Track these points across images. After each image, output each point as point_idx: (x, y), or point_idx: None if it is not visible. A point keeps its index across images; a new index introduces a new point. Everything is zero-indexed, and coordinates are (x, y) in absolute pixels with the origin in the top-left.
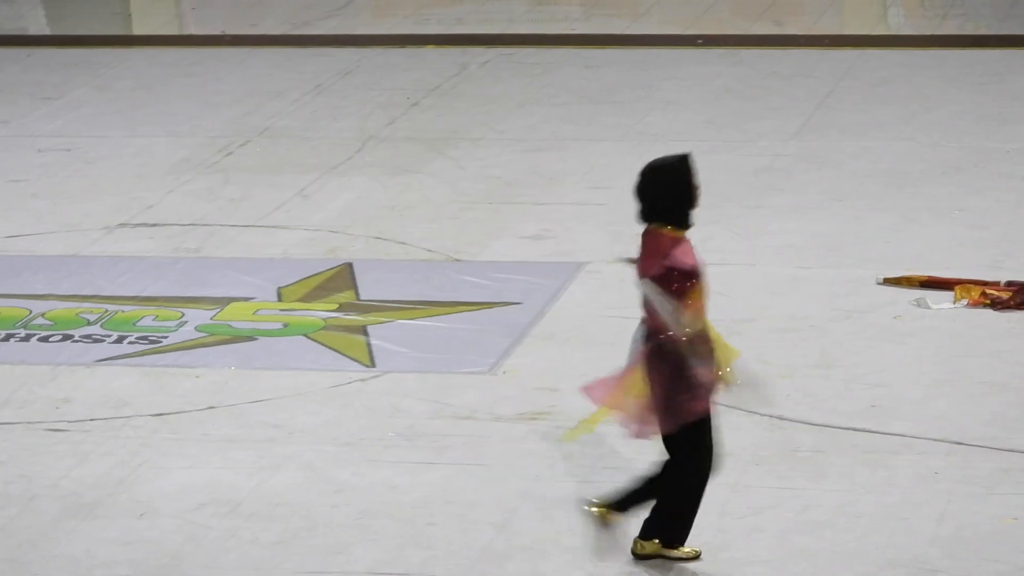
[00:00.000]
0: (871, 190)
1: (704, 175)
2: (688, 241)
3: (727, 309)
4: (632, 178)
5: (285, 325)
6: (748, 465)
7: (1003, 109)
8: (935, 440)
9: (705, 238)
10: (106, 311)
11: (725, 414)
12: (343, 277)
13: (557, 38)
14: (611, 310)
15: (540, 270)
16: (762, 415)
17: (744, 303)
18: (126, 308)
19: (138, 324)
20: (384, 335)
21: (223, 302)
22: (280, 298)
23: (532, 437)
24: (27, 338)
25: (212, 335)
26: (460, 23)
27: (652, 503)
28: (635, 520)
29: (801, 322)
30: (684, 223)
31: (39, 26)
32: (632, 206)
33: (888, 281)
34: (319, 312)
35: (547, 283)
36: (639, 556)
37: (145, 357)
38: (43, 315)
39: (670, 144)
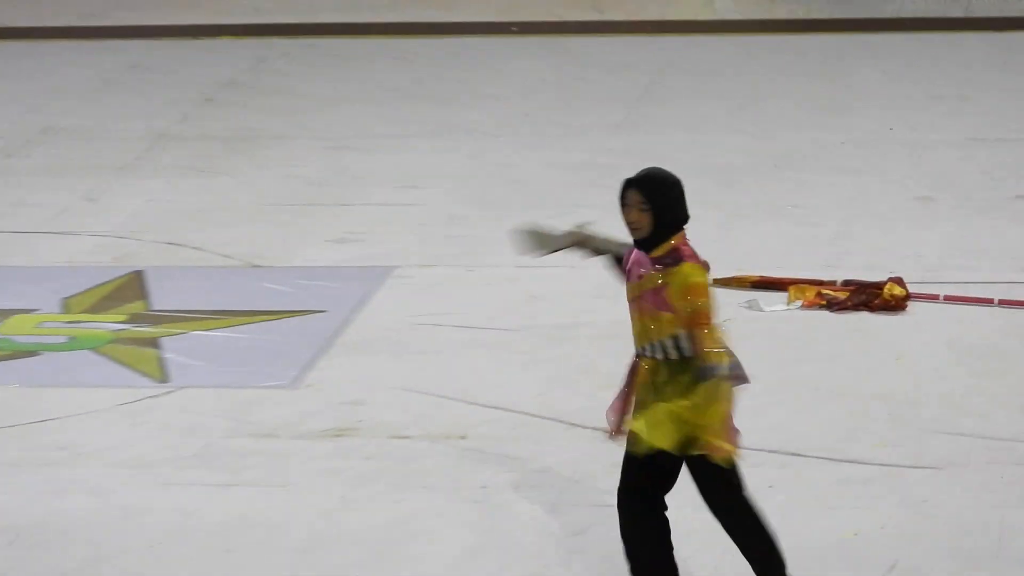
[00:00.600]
0: (699, 186)
1: (521, 173)
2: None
3: (548, 314)
4: (447, 176)
5: (71, 339)
6: (569, 482)
7: (837, 98)
8: (769, 452)
9: None
10: None
11: (545, 428)
12: (133, 286)
13: (364, 27)
14: (422, 317)
15: (346, 275)
16: (583, 428)
17: (566, 308)
18: None
19: None
20: (178, 348)
21: (3, 315)
22: (65, 309)
23: (338, 455)
24: None
25: None
26: (258, 12)
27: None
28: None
29: (627, 328)
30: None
31: None
32: (443, 207)
33: (718, 282)
34: (107, 324)
35: (353, 289)
36: None
37: None
38: None
39: (485, 140)
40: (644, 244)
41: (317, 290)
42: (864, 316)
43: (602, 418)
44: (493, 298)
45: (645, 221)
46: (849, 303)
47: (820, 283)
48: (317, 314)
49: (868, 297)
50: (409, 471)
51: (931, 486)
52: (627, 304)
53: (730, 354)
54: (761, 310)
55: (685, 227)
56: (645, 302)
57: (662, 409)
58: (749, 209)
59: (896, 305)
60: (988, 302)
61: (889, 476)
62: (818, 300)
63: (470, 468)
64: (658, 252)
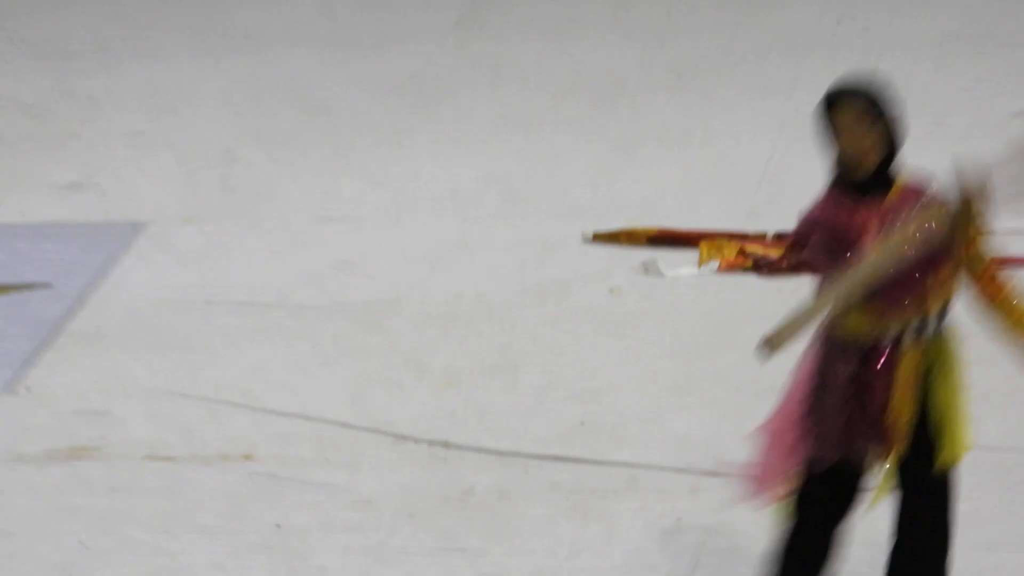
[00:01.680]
0: (569, 110)
1: (323, 94)
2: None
3: (362, 288)
4: (217, 98)
5: None
6: (398, 517)
7: None
8: (675, 471)
9: (327, 185)
10: None
11: (362, 444)
12: None
13: None
14: (185, 292)
15: (78, 236)
16: (416, 441)
17: (387, 280)
18: None
19: None
20: None
21: None
22: None
23: (73, 486)
24: None
25: None
26: None
27: None
28: None
29: (471, 305)
30: None
31: None
32: (213, 141)
33: (600, 238)
34: None
35: (88, 255)
36: None
37: None
38: None
39: (272, 49)
40: (869, 182)
41: (38, 256)
42: (805, 281)
43: (440, 426)
44: (285, 266)
45: (876, 144)
46: (784, 264)
47: (743, 237)
48: (38, 290)
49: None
50: (175, 507)
51: None
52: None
53: None
54: (662, 275)
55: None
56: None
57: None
58: (642, 139)
59: None
60: None
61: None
62: (741, 260)
63: (259, 501)
64: (896, 192)
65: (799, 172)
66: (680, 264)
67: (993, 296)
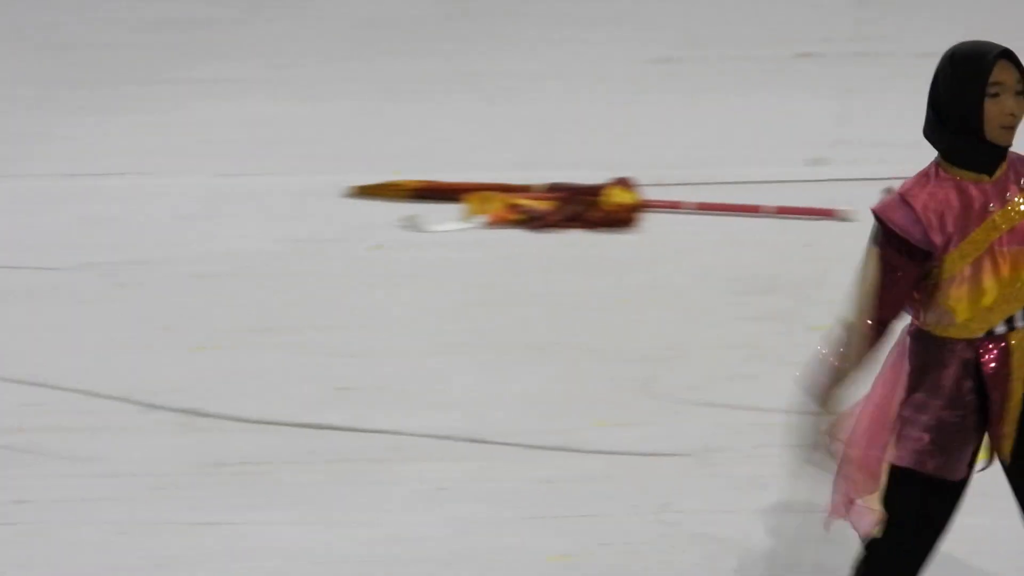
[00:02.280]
0: (334, 47)
1: (68, 34)
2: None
3: (108, 247)
4: None
5: None
6: (147, 490)
7: None
8: (439, 438)
9: (75, 134)
10: None
11: (110, 412)
12: None
13: None
14: None
15: None
16: (166, 409)
17: (133, 237)
18: None
19: None
20: None
21: None
22: None
23: None
24: None
25: None
26: None
27: None
28: None
29: (223, 263)
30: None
31: None
32: None
33: (361, 191)
34: None
35: None
36: None
37: None
38: None
39: None
40: (987, 155)
41: None
42: (578, 236)
43: (191, 393)
44: (27, 223)
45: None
46: (558, 218)
47: (514, 189)
48: None
49: (583, 208)
50: None
51: (678, 479)
52: (954, 276)
53: None
54: (424, 231)
55: None
56: (1010, 245)
57: None
58: (405, 81)
59: (622, 218)
60: (753, 210)
61: (617, 468)
62: (511, 214)
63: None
64: (1000, 170)
65: (573, 118)
66: (445, 220)
67: None
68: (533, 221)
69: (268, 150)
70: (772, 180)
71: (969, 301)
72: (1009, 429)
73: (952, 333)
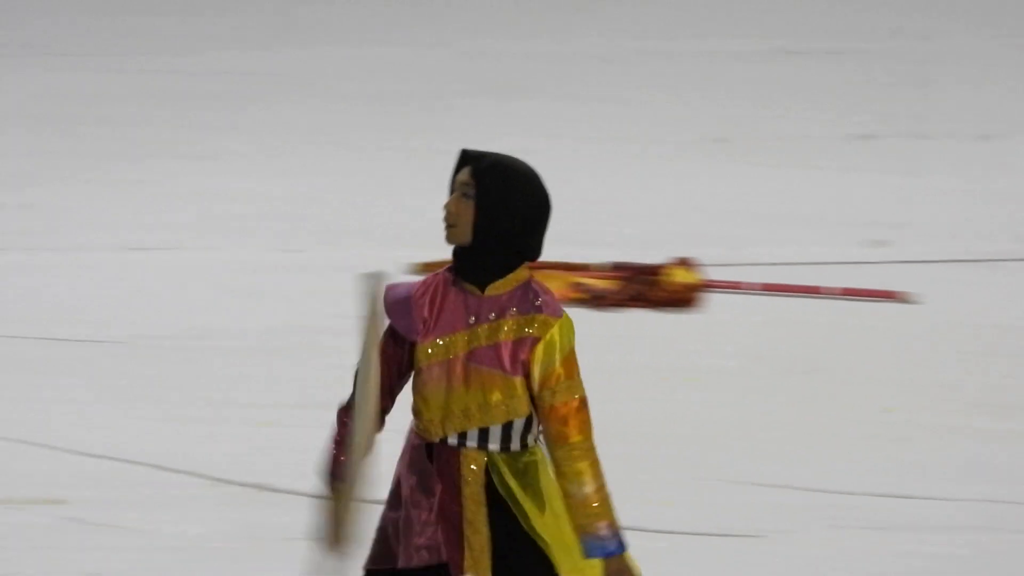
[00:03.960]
0: (375, 121)
1: (122, 106)
2: None
3: (170, 320)
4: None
5: None
6: (217, 561)
7: None
8: None
9: (130, 213)
10: None
11: (174, 486)
12: None
13: None
14: None
15: None
16: (233, 483)
17: (194, 309)
18: None
19: None
20: None
21: None
22: None
23: None
24: None
25: None
26: None
27: None
28: None
29: (287, 337)
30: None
31: None
32: None
33: (424, 268)
34: None
35: None
36: None
37: None
38: None
39: (71, 57)
40: (468, 263)
41: None
42: (642, 316)
43: (257, 467)
44: (88, 296)
45: (467, 216)
46: (623, 296)
47: (578, 268)
48: None
49: (646, 287)
50: None
51: (737, 560)
52: (421, 370)
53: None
54: None
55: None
56: (484, 363)
57: (551, 525)
58: (448, 157)
59: (686, 298)
60: (815, 291)
61: (673, 548)
62: (574, 292)
63: (70, 548)
64: (501, 287)
65: (634, 194)
66: None
67: (556, 441)
68: (595, 300)
69: (329, 223)
70: (833, 261)
71: (425, 401)
72: (472, 552)
73: (419, 429)
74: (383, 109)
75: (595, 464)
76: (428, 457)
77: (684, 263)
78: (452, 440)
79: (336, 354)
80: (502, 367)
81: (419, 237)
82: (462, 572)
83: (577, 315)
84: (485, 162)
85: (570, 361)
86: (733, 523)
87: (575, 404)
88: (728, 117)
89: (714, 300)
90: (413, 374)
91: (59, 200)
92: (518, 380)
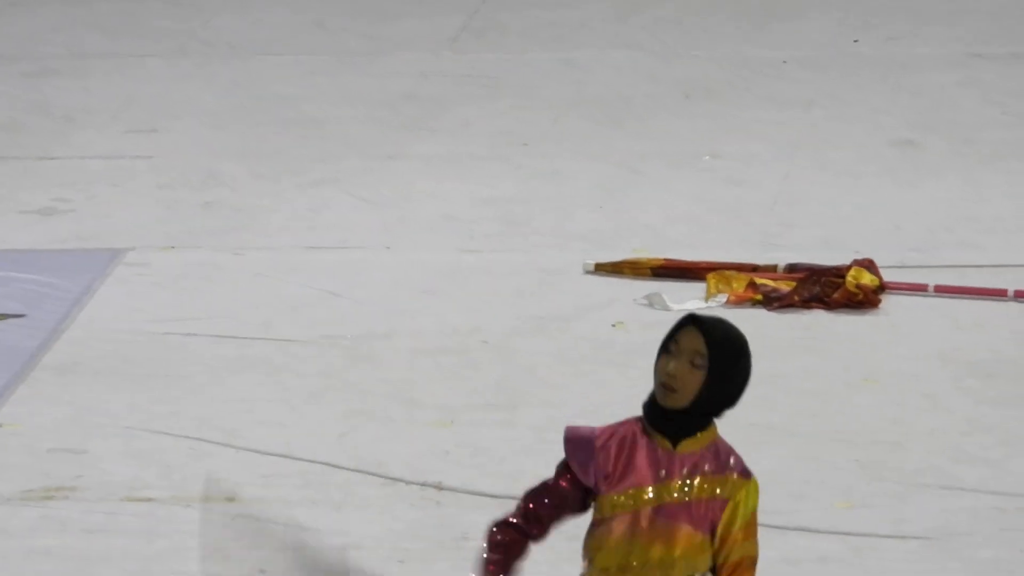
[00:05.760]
0: (575, 128)
1: (310, 109)
2: None
3: (352, 319)
4: (200, 115)
5: None
6: (388, 563)
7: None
8: None
9: (315, 207)
10: None
11: (351, 484)
12: None
13: None
14: (165, 324)
15: (53, 263)
16: (407, 484)
17: (377, 309)
18: None
19: None
20: None
21: None
22: None
23: (47, 528)
24: None
25: None
26: None
27: None
28: None
29: (468, 338)
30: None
31: None
32: (195, 161)
33: (602, 268)
34: None
35: (64, 284)
36: None
37: None
38: None
39: (255, 61)
40: (668, 421)
41: (10, 285)
42: (818, 316)
43: (433, 466)
44: (271, 295)
45: (692, 385)
46: (797, 297)
47: (753, 268)
48: (11, 320)
49: (824, 288)
50: (153, 551)
51: (918, 563)
52: (604, 519)
53: None
54: (668, 308)
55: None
56: (671, 519)
57: None
58: (647, 161)
59: (865, 299)
60: (1000, 294)
61: (857, 550)
62: (751, 293)
63: (242, 545)
64: (693, 444)
65: (813, 199)
66: (687, 298)
67: None
68: (773, 301)
69: (512, 226)
70: (1016, 264)
71: (604, 551)
72: None
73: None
74: (573, 115)
75: None
76: None
77: (863, 264)
78: None
79: (517, 356)
80: (692, 524)
81: (604, 240)
82: None
83: (761, 318)
84: (719, 334)
85: (751, 524)
86: (925, 526)
87: (746, 563)
88: (910, 121)
89: (894, 302)
90: (592, 523)
91: (248, 199)
92: (705, 538)
